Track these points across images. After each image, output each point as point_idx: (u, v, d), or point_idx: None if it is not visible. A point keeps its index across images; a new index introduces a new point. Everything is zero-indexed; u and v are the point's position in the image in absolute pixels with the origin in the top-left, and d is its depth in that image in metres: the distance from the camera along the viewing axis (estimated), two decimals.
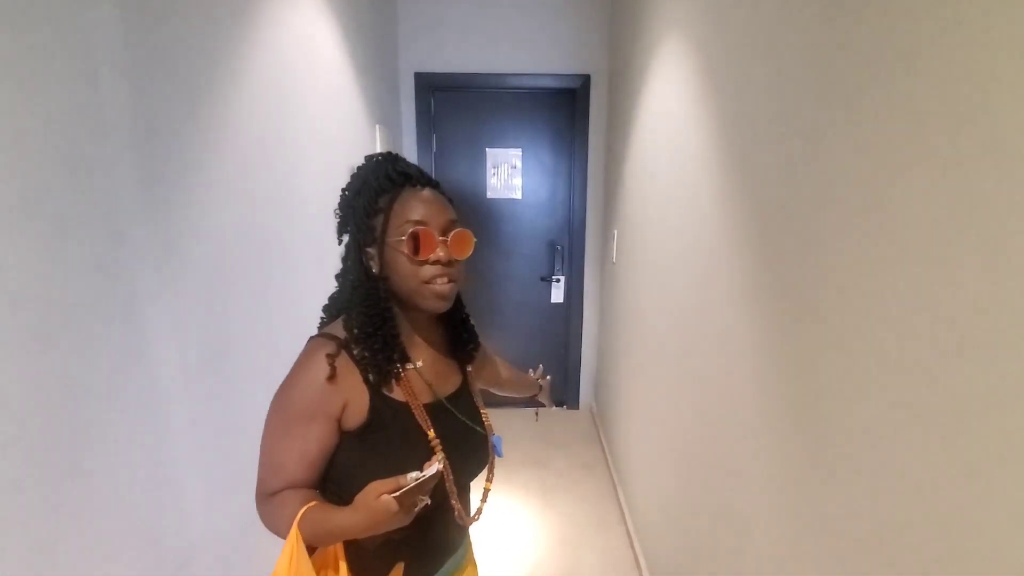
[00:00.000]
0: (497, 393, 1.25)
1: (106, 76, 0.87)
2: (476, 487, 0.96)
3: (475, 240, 0.85)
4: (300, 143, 1.67)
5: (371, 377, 0.80)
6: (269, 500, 0.80)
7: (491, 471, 0.96)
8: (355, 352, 0.80)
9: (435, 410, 0.85)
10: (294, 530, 0.72)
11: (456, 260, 0.83)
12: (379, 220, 0.82)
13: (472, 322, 0.99)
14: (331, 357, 0.77)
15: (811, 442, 0.85)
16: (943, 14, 0.59)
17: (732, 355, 1.18)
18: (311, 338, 0.84)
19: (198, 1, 1.13)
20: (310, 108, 1.76)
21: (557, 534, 2.34)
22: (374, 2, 2.57)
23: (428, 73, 3.09)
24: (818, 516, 0.83)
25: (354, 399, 0.79)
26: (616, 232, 2.78)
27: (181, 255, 1.07)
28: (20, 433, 0.72)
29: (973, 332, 0.54)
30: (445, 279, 0.81)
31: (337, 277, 0.91)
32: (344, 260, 0.89)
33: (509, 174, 3.27)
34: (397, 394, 0.83)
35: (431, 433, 0.82)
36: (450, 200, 0.87)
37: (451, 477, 0.84)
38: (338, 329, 0.83)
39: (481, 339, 1.02)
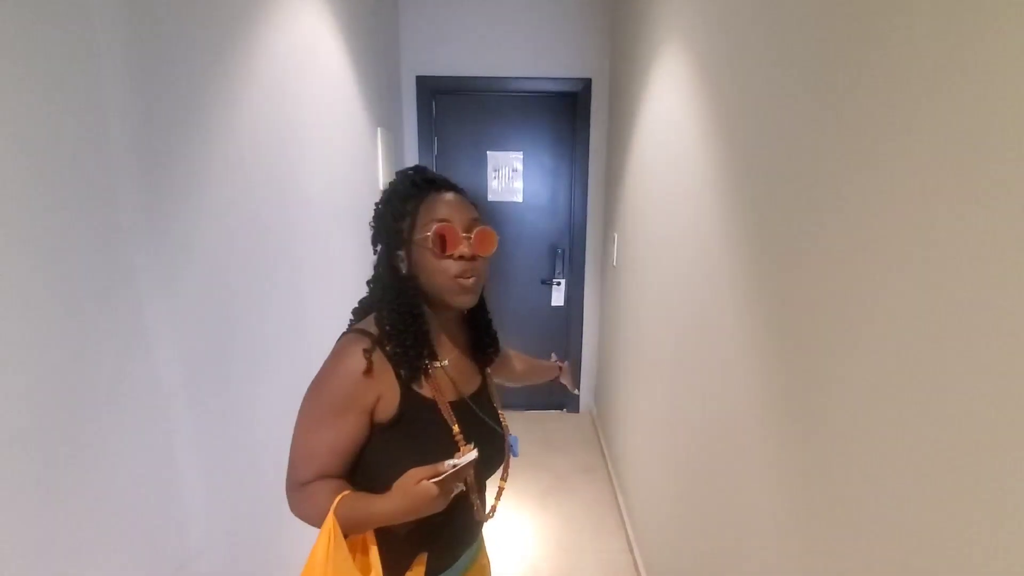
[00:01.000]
0: (515, 385, 1.26)
1: (107, 77, 0.88)
2: (491, 486, 1.00)
3: (499, 238, 0.89)
4: (302, 145, 1.67)
5: (403, 373, 0.84)
6: (301, 489, 0.83)
7: (506, 470, 1.00)
8: (387, 348, 0.84)
9: (459, 407, 0.90)
10: (331, 517, 0.75)
11: (480, 256, 0.87)
12: (406, 223, 0.86)
13: (494, 326, 1.04)
14: (367, 352, 0.81)
15: (812, 447, 0.85)
16: (944, 14, 0.59)
17: (733, 359, 1.18)
18: (344, 333, 0.88)
19: (200, 4, 1.13)
20: (312, 110, 1.76)
21: (556, 538, 2.33)
22: (376, 5, 2.58)
23: (430, 76, 3.10)
24: (819, 522, 0.83)
25: (387, 393, 0.83)
26: (616, 235, 2.78)
27: (183, 256, 1.07)
28: (20, 433, 0.72)
29: (976, 334, 0.55)
30: (470, 274, 0.85)
31: (368, 283, 0.95)
32: (376, 267, 0.93)
33: (510, 177, 3.28)
34: (425, 390, 0.87)
35: (456, 428, 0.86)
36: (474, 203, 0.91)
37: (472, 473, 0.88)
38: (370, 326, 0.86)
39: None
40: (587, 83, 3.11)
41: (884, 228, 0.68)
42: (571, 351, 3.47)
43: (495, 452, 0.96)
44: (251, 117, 1.34)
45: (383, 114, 2.69)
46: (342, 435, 0.82)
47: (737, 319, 1.15)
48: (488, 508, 0.99)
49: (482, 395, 0.98)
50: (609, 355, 3.03)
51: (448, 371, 0.91)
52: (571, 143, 3.24)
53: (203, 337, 1.14)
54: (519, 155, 3.25)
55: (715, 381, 1.29)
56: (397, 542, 0.85)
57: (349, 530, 0.79)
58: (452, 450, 0.81)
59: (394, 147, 2.90)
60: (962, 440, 0.56)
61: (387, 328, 0.84)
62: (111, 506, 0.89)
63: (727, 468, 1.21)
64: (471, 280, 0.86)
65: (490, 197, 3.29)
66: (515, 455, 1.01)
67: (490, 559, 1.13)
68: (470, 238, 0.85)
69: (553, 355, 1.41)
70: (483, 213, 0.91)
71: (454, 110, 3.21)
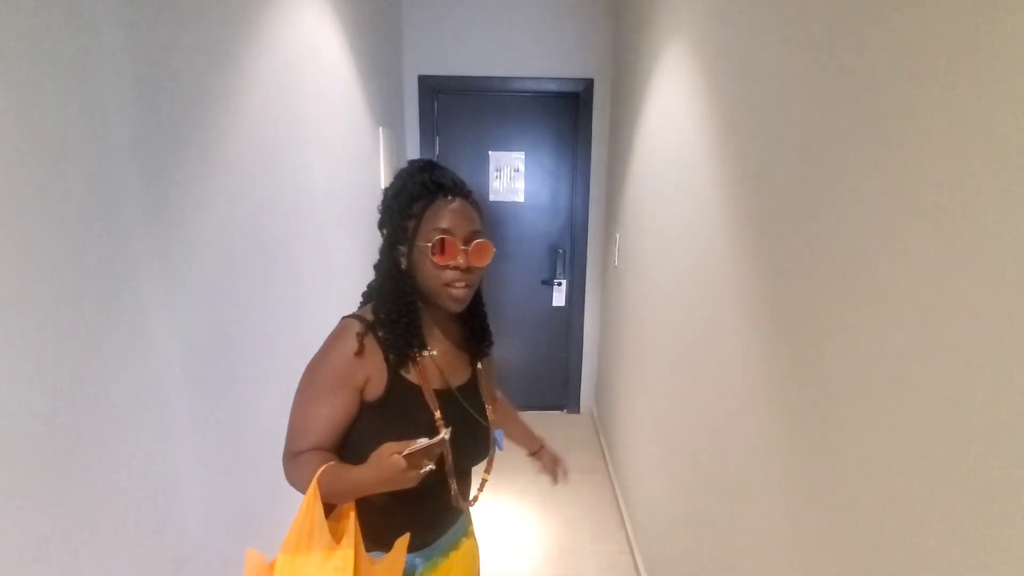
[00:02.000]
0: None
1: (109, 77, 0.88)
2: (476, 477, 1.05)
3: (495, 250, 0.95)
4: (304, 145, 1.67)
5: (391, 358, 0.90)
6: (295, 459, 0.90)
7: (490, 463, 1.05)
8: (380, 334, 0.91)
9: (444, 396, 0.95)
10: (314, 483, 0.81)
11: (475, 267, 0.92)
12: (411, 224, 0.92)
13: (488, 323, 1.08)
14: (360, 336, 0.89)
15: (814, 449, 0.85)
16: (944, 17, 0.59)
17: (734, 360, 1.17)
18: (343, 317, 0.94)
19: (202, 3, 1.13)
20: (314, 110, 1.76)
21: (556, 539, 2.33)
22: (378, 5, 2.58)
23: (432, 76, 3.09)
24: (819, 523, 0.83)
25: (375, 375, 0.90)
26: (618, 236, 2.78)
27: (184, 255, 1.07)
28: (20, 432, 0.72)
29: (976, 335, 0.54)
30: (462, 283, 0.91)
31: (375, 267, 1.01)
32: (380, 251, 0.99)
33: (512, 177, 3.28)
34: (412, 376, 0.93)
35: (438, 414, 0.92)
36: (479, 210, 0.96)
37: (450, 459, 0.93)
38: (367, 313, 0.94)
39: (493, 349, 1.10)
40: (589, 83, 3.11)
41: (887, 228, 0.68)
42: (571, 351, 3.47)
43: (478, 443, 1.00)
44: (253, 116, 1.34)
45: (385, 113, 2.69)
46: (335, 410, 0.89)
47: (739, 320, 1.15)
48: (471, 497, 1.05)
49: (470, 387, 1.02)
50: (610, 356, 3.03)
51: (436, 361, 0.97)
52: (573, 143, 3.23)
53: (204, 336, 1.14)
54: (521, 155, 3.25)
55: (716, 382, 1.29)
56: (373, 512, 0.91)
57: (332, 497, 0.84)
58: (432, 434, 0.84)
59: (396, 147, 2.90)
60: (964, 440, 0.56)
61: (382, 316, 0.92)
62: (111, 504, 0.89)
63: (728, 469, 1.21)
64: (462, 289, 0.92)
65: (492, 197, 3.29)
66: (500, 449, 1.06)
67: (477, 540, 1.17)
68: (467, 250, 0.90)
69: (544, 443, 1.31)
70: (486, 212, 0.93)
71: (456, 110, 3.20)
